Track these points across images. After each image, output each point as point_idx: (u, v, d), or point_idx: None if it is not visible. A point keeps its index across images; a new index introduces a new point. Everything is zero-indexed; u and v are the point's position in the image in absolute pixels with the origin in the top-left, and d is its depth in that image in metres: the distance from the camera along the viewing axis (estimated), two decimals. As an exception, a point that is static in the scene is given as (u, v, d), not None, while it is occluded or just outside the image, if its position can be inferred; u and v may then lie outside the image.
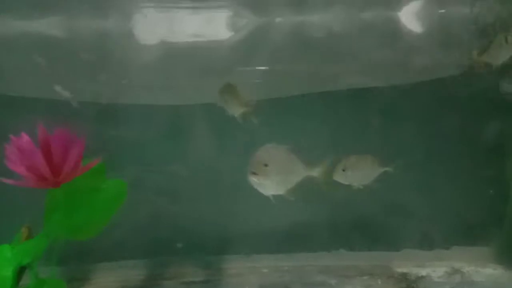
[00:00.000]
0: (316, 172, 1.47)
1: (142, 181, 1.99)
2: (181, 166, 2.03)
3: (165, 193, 2.05)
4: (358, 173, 1.60)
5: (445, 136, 1.97)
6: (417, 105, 1.97)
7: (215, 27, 2.01)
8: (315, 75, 1.95)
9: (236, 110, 1.72)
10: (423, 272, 1.95)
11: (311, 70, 1.95)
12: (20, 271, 1.17)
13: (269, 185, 1.37)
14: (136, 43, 1.95)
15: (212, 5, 1.98)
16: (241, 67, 2.02)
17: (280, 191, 1.42)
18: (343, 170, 1.58)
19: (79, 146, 1.14)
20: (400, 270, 1.96)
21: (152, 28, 1.98)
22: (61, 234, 1.15)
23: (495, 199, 2.00)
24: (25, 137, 1.10)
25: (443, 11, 1.94)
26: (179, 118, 2.02)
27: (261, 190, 1.39)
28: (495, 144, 1.93)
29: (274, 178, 1.35)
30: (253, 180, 1.34)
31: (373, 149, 1.77)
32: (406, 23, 1.95)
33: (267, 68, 1.99)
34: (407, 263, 1.99)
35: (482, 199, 2.01)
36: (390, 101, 1.95)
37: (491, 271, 1.94)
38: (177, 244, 2.00)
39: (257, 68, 2.01)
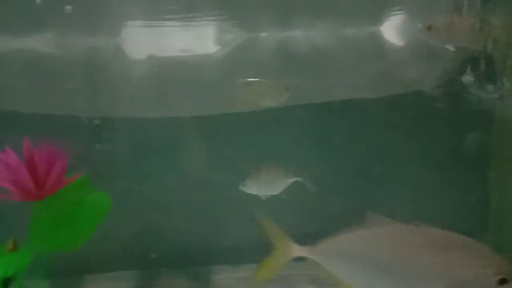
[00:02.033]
0: None
1: (133, 194, 2.02)
2: (172, 178, 2.06)
3: (155, 206, 2.08)
4: (265, 184, 1.64)
5: (428, 145, 2.02)
6: (401, 116, 2.02)
7: (203, 42, 2.06)
8: (299, 88, 2.00)
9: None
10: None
11: (295, 83, 2.00)
12: (6, 284, 1.19)
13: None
14: (125, 58, 2.00)
15: (199, 21, 2.04)
16: (229, 80, 2.07)
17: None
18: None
19: (62, 160, 1.17)
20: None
21: (141, 44, 2.02)
22: (45, 246, 1.18)
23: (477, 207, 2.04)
24: (9, 152, 1.14)
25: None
26: (169, 131, 2.06)
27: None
28: (476, 153, 1.96)
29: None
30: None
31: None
32: (388, 38, 2.01)
33: (254, 80, 2.04)
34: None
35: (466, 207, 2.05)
36: (374, 112, 1.99)
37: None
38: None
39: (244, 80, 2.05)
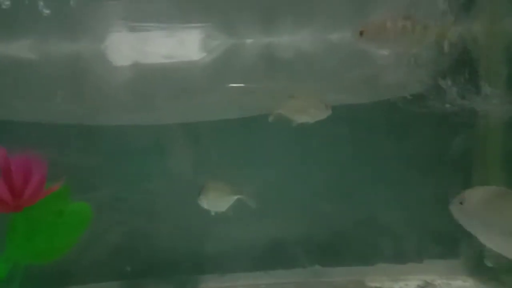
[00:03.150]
0: None
1: (118, 201, 2.00)
2: (157, 184, 2.04)
3: (140, 213, 2.06)
4: (214, 200, 1.70)
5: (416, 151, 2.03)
6: (385, 121, 2.03)
7: (187, 48, 2.05)
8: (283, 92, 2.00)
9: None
10: (396, 286, 1.97)
11: (279, 88, 2.00)
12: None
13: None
14: (109, 65, 1.98)
15: (184, 27, 2.03)
16: (214, 86, 2.06)
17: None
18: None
19: (41, 170, 1.15)
20: (373, 284, 1.98)
21: (125, 50, 2.01)
22: (22, 258, 1.15)
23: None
24: (-15, 162, 1.11)
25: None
26: (154, 138, 2.04)
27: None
28: (460, 158, 1.98)
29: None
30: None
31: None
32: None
33: (240, 85, 2.03)
34: (380, 278, 2.02)
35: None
36: (359, 117, 2.00)
37: (461, 283, 1.97)
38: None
39: (230, 85, 2.05)
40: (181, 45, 2.05)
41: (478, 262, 2.00)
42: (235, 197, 1.71)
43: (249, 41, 2.01)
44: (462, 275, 2.01)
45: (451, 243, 2.07)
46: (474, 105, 1.90)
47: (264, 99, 2.01)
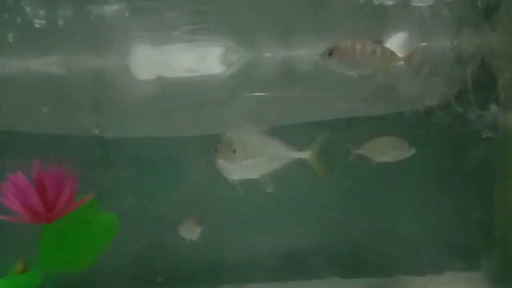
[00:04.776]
0: (306, 155, 1.34)
1: (139, 211, 2.04)
2: (178, 195, 2.08)
3: (161, 223, 2.09)
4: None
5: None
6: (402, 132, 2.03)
7: (208, 62, 2.10)
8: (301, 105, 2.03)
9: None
10: (415, 298, 1.97)
11: (298, 97, 2.03)
12: (16, 304, 1.21)
13: (238, 170, 1.26)
14: (132, 79, 2.04)
15: (205, 42, 2.08)
16: (234, 98, 2.10)
17: (255, 176, 1.31)
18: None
19: (72, 183, 1.20)
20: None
21: (148, 64, 2.07)
22: (55, 267, 1.20)
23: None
24: (21, 175, 1.16)
25: (425, 44, 2.02)
26: (176, 150, 2.09)
27: (228, 176, 1.30)
28: (481, 171, 1.97)
29: (246, 163, 1.24)
30: (220, 165, 1.25)
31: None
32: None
33: (260, 94, 2.07)
34: (399, 290, 2.02)
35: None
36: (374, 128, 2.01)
37: (480, 295, 1.96)
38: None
39: (250, 94, 2.08)
40: (202, 59, 2.10)
41: (499, 274, 1.99)
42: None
43: (268, 55, 2.05)
44: (481, 286, 1.99)
45: (471, 255, 2.06)
46: (493, 116, 1.91)
47: (281, 109, 2.05)
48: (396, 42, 2.03)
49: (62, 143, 1.98)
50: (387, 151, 1.68)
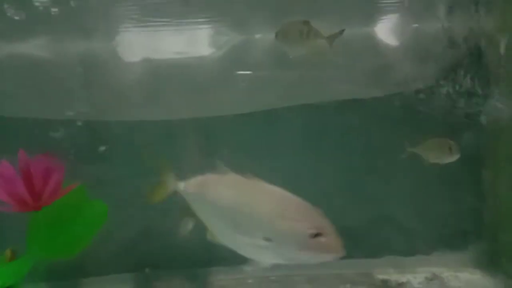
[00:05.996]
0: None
1: (130, 196, 2.03)
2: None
3: (153, 207, 2.09)
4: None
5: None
6: (394, 116, 2.04)
7: (198, 44, 2.07)
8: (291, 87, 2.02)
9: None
10: (403, 278, 2.00)
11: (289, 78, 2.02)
12: (5, 293, 1.21)
13: None
14: (120, 62, 2.01)
15: (193, 24, 2.04)
16: (224, 80, 2.08)
17: None
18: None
19: (59, 170, 1.19)
20: (381, 277, 2.02)
21: (136, 47, 2.03)
22: (44, 255, 1.20)
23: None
24: (5, 164, 1.15)
25: (416, 25, 2.01)
26: (165, 133, 2.07)
27: None
28: (471, 156, 1.98)
29: None
30: None
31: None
32: (382, 38, 2.02)
33: (249, 72, 2.05)
34: (388, 270, 2.05)
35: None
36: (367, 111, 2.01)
37: (468, 276, 2.00)
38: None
39: (239, 72, 2.06)
40: (190, 42, 2.07)
41: (485, 254, 2.03)
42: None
43: (258, 36, 2.02)
44: (470, 267, 2.03)
45: (459, 235, 2.09)
46: (483, 102, 1.91)
47: (274, 91, 2.04)
48: (387, 25, 2.02)
49: (47, 128, 1.95)
50: (439, 152, 1.71)
